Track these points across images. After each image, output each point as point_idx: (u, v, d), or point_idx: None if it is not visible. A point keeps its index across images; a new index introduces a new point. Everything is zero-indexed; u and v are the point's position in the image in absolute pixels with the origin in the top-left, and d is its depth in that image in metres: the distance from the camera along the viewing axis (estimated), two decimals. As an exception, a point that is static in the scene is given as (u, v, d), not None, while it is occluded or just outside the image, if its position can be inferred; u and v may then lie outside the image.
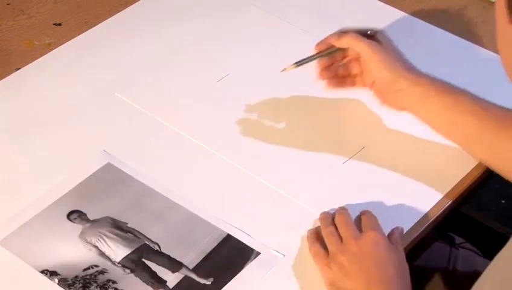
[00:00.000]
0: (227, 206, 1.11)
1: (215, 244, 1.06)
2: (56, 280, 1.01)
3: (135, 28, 1.38)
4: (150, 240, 1.07)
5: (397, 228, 1.05)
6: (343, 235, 1.02)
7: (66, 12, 1.41)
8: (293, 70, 1.19)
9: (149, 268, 1.04)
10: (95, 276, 1.02)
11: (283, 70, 1.20)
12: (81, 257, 1.04)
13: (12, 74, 1.29)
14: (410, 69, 1.14)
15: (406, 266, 1.01)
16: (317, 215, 1.08)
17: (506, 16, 0.74)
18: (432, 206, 1.12)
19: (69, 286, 1.01)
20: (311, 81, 1.21)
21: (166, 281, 1.02)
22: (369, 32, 1.16)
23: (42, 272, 1.02)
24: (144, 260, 1.05)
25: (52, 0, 1.43)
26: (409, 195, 1.13)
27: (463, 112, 1.09)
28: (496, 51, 0.84)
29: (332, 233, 1.03)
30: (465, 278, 0.78)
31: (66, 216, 1.08)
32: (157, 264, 1.04)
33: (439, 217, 1.11)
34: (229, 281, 1.02)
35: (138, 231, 1.07)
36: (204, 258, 1.05)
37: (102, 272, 1.03)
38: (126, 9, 1.41)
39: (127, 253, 1.05)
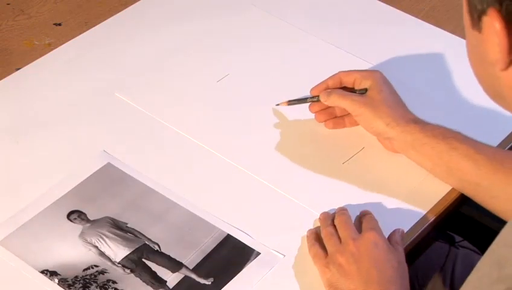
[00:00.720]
0: (227, 206, 1.11)
1: (215, 245, 1.06)
2: (56, 280, 1.01)
3: (135, 28, 1.38)
4: (150, 240, 1.07)
5: (398, 229, 1.05)
6: (342, 236, 1.02)
7: (66, 12, 1.41)
8: (292, 70, 1.19)
9: (149, 268, 1.04)
10: (95, 276, 1.02)
11: (277, 104, 1.22)
12: (81, 257, 1.04)
13: (12, 74, 1.29)
14: (398, 118, 1.13)
15: (405, 267, 1.01)
16: (317, 215, 1.08)
17: (469, 21, 0.74)
18: (432, 206, 1.12)
19: (69, 286, 1.01)
20: (311, 81, 1.21)
21: (166, 281, 1.02)
22: (357, 91, 1.17)
23: (42, 272, 1.02)
24: (144, 260, 1.05)
25: (52, 0, 1.43)
26: (409, 195, 1.13)
27: (458, 158, 1.08)
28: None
29: (331, 234, 1.03)
30: (465, 277, 0.79)
31: (66, 216, 1.08)
32: (157, 264, 1.04)
33: (439, 217, 1.11)
34: (229, 281, 1.02)
35: (138, 231, 1.07)
36: (204, 258, 1.05)
37: (102, 272, 1.03)
38: (126, 9, 1.41)
39: (127, 253, 1.05)
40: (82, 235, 1.07)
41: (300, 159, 1.17)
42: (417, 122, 1.13)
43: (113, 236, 1.07)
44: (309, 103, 1.20)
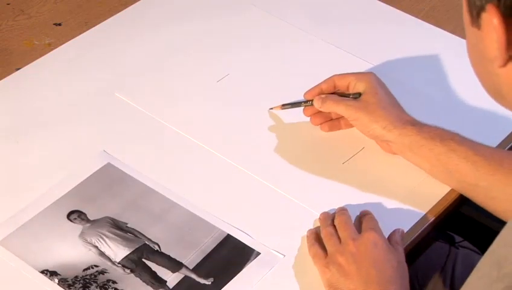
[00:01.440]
0: (227, 206, 1.11)
1: (215, 245, 1.06)
2: (56, 280, 1.01)
3: (135, 28, 1.38)
4: (150, 240, 1.07)
5: (398, 229, 1.05)
6: (342, 236, 1.02)
7: (66, 12, 1.41)
8: (292, 70, 1.19)
9: (149, 268, 1.04)
10: (95, 276, 1.02)
11: (271, 108, 1.22)
12: (81, 257, 1.04)
13: (12, 74, 1.29)
14: (394, 121, 1.13)
15: (405, 267, 1.01)
16: (317, 215, 1.08)
17: (468, 18, 0.74)
18: (432, 206, 1.12)
19: (69, 286, 1.01)
20: (311, 81, 1.21)
21: (166, 281, 1.02)
22: (351, 96, 1.16)
23: (42, 272, 1.02)
24: (144, 260, 1.05)
25: (52, 0, 1.43)
26: (409, 195, 1.13)
27: (456, 160, 1.08)
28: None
29: (331, 234, 1.03)
30: (465, 277, 0.78)
31: (66, 216, 1.08)
32: (157, 264, 1.04)
33: (439, 217, 1.11)
34: (229, 281, 1.02)
35: (138, 231, 1.07)
36: (204, 258, 1.05)
37: (102, 272, 1.03)
38: (126, 9, 1.41)
39: (127, 253, 1.05)
40: (82, 235, 1.07)
41: (300, 159, 1.17)
42: (414, 124, 1.12)
43: (113, 236, 1.07)
44: (303, 107, 1.20)
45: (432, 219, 1.11)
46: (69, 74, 1.29)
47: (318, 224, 1.07)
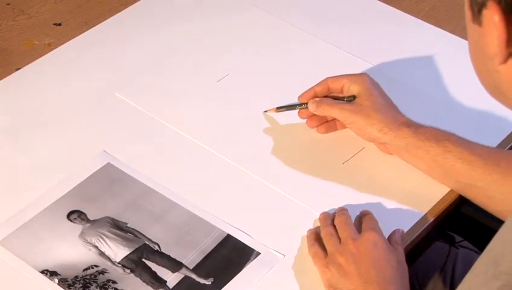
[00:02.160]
0: (227, 206, 1.11)
1: (215, 245, 1.06)
2: (56, 280, 1.01)
3: (135, 28, 1.38)
4: (150, 240, 1.07)
5: (398, 229, 1.05)
6: (342, 236, 1.02)
7: (66, 12, 1.41)
8: (292, 70, 1.18)
9: (149, 268, 1.04)
10: (95, 276, 1.02)
11: (265, 111, 1.22)
12: (81, 257, 1.04)
13: (12, 74, 1.29)
14: (390, 123, 1.12)
15: (405, 267, 1.01)
16: (317, 215, 1.08)
17: (470, 15, 0.74)
18: (432, 206, 1.12)
19: (69, 286, 1.01)
20: (311, 81, 1.21)
21: (166, 281, 1.02)
22: (345, 99, 1.16)
23: (42, 272, 1.02)
24: (144, 260, 1.05)
25: (52, 0, 1.43)
26: (409, 195, 1.13)
27: (452, 160, 1.08)
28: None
29: (331, 234, 1.03)
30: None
31: (66, 216, 1.08)
32: (157, 264, 1.04)
33: (439, 217, 1.11)
34: (229, 281, 1.02)
35: (138, 231, 1.07)
36: (204, 258, 1.05)
37: (102, 272, 1.03)
38: (126, 9, 1.41)
39: (127, 253, 1.05)
40: (82, 235, 1.07)
41: (300, 159, 1.17)
42: (409, 125, 1.12)
43: (113, 236, 1.07)
44: (298, 110, 1.20)
45: (431, 219, 1.11)
46: (69, 74, 1.29)
47: (318, 224, 1.07)
